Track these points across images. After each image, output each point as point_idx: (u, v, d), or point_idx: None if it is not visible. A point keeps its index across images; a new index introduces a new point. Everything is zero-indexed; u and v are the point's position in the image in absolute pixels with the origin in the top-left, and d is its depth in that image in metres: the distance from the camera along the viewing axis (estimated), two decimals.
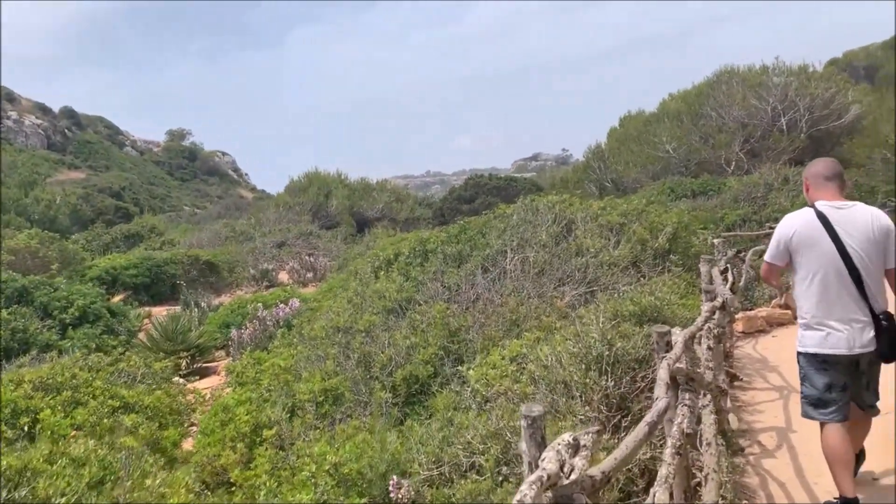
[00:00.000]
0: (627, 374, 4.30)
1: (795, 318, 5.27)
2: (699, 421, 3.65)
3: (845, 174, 4.09)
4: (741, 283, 10.41)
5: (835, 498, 3.70)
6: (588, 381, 4.14)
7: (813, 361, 3.75)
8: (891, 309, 3.78)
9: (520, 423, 2.28)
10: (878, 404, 4.00)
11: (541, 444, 2.06)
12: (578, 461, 2.17)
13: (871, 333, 3.64)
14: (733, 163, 30.98)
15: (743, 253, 11.46)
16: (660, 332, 3.32)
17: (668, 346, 3.31)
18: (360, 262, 11.30)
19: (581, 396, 4.17)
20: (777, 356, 8.34)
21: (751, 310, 10.56)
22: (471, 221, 9.12)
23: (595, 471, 2.14)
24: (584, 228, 7.78)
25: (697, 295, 6.70)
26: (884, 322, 3.64)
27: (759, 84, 33.02)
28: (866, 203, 4.02)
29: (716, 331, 4.24)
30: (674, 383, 3.29)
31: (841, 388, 3.72)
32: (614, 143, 38.65)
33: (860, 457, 4.12)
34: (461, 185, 40.97)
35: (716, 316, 4.32)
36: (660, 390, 2.49)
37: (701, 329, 3.98)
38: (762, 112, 32.14)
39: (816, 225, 3.69)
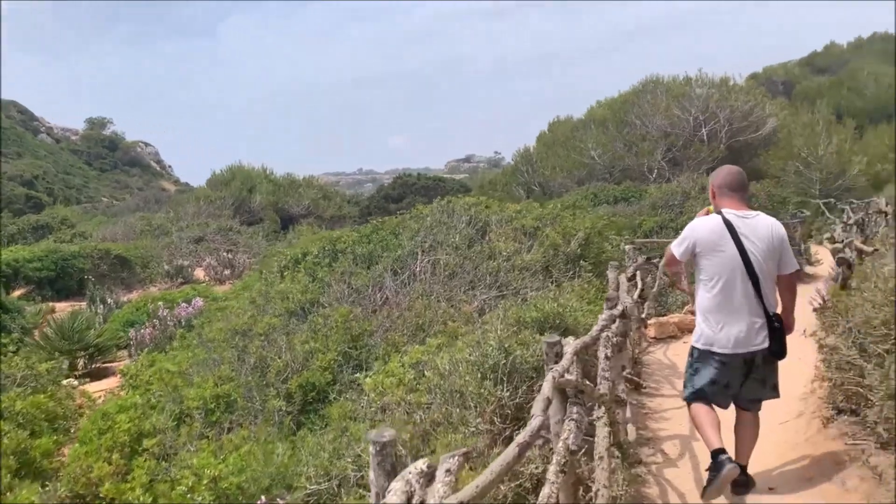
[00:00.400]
0: (525, 384, 4.13)
1: None
2: (593, 433, 3.55)
3: (749, 184, 4.37)
4: (654, 290, 10.51)
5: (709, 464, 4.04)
6: (483, 390, 3.95)
7: (707, 357, 4.06)
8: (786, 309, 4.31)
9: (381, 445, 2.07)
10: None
11: (390, 473, 1.84)
12: (440, 488, 1.96)
13: (765, 332, 3.99)
14: (655, 171, 31.70)
15: (657, 259, 11.58)
16: (549, 343, 3.15)
17: (559, 357, 3.14)
18: (266, 262, 10.89)
19: (476, 407, 3.98)
20: (679, 361, 8.40)
21: (663, 315, 10.64)
22: (384, 221, 8.86)
23: (453, 500, 1.93)
24: (498, 231, 7.65)
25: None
26: (776, 323, 4.03)
27: (682, 94, 33.92)
28: (779, 212, 4.14)
29: (615, 339, 4.12)
30: (562, 396, 3.13)
31: (724, 386, 4.05)
32: (543, 148, 39.09)
33: (749, 482, 4.27)
34: (389, 184, 40.64)
35: (615, 325, 4.21)
36: (537, 407, 2.30)
37: (597, 339, 3.85)
38: (684, 122, 33.02)
39: (723, 232, 3.96)
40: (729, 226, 3.96)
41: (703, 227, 4.06)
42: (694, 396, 4.11)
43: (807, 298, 11.09)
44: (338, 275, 7.27)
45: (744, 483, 4.22)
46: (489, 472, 2.02)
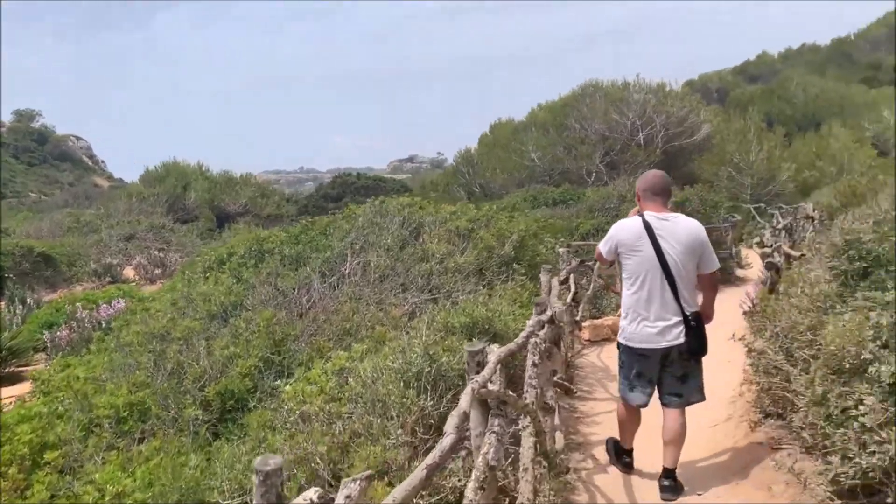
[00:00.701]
0: (450, 391, 3.97)
1: None
2: (518, 443, 3.41)
3: (672, 189, 4.62)
4: (589, 292, 10.52)
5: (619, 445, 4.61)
6: (406, 400, 3.77)
7: (629, 352, 4.34)
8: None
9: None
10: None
11: None
12: None
13: (681, 329, 4.18)
14: (594, 174, 32.12)
15: (592, 262, 11.60)
16: (471, 351, 2.99)
17: (481, 367, 2.98)
18: (191, 263, 10.45)
19: (398, 417, 3.79)
20: (613, 363, 8.39)
21: (598, 318, 10.66)
22: (314, 221, 8.58)
23: None
24: (432, 233, 7.48)
25: None
26: (692, 322, 4.20)
27: (620, 99, 34.47)
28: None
29: (543, 346, 3.99)
30: (484, 407, 2.97)
31: (647, 380, 4.31)
32: (484, 150, 39.20)
33: (674, 475, 4.43)
34: (328, 182, 40.08)
35: (543, 330, 4.09)
36: (450, 423, 2.12)
37: (524, 346, 3.71)
38: (622, 126, 33.56)
39: (642, 233, 4.18)
40: (648, 227, 4.17)
41: (624, 229, 4.30)
42: (624, 390, 4.42)
43: (737, 301, 11.31)
44: (263, 276, 6.99)
45: (671, 488, 4.36)
46: (391, 499, 1.83)
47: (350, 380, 4.31)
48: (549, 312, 4.47)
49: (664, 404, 4.41)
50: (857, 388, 3.67)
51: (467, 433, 3.03)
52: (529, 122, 39.86)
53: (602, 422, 6.55)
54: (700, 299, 4.45)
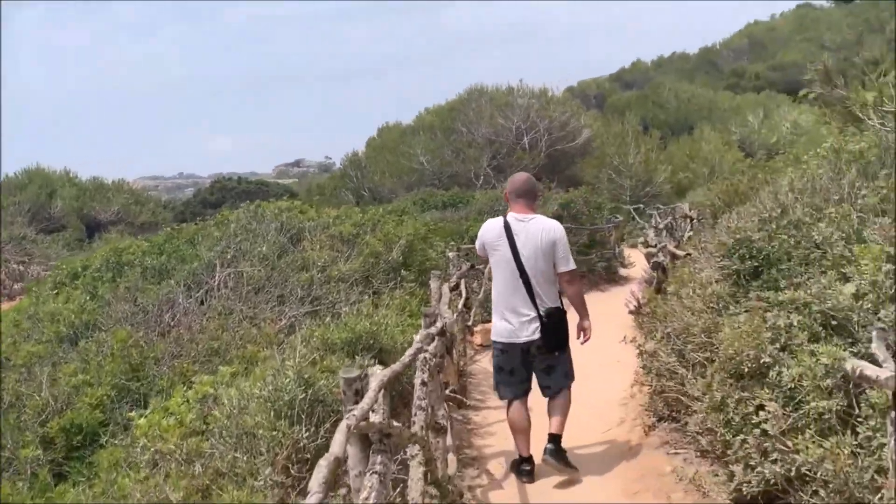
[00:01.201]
0: (330, 419, 3.52)
1: None
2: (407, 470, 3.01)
3: (538, 191, 5.01)
4: (480, 296, 10.29)
5: (516, 458, 4.70)
6: (277, 432, 3.28)
7: (496, 347, 4.65)
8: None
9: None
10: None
11: None
12: None
13: (536, 325, 4.38)
14: (482, 177, 32.29)
15: (484, 265, 11.38)
16: (347, 379, 2.56)
17: (360, 395, 2.56)
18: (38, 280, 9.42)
19: (268, 451, 3.30)
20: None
21: (490, 322, 10.45)
22: (181, 229, 7.84)
23: None
24: (313, 239, 6.97)
25: None
26: (545, 319, 4.37)
27: (505, 104, 34.87)
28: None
29: (433, 361, 3.61)
30: (364, 443, 2.55)
31: (510, 372, 4.55)
32: (372, 153, 38.68)
33: (558, 441, 4.67)
34: (207, 188, 38.29)
35: (433, 344, 3.72)
36: (316, 480, 1.69)
37: (411, 364, 3.31)
38: (507, 130, 33.94)
39: (501, 233, 4.44)
40: (507, 227, 4.42)
41: (488, 229, 4.62)
42: (496, 389, 4.78)
43: (622, 300, 11.43)
44: (122, 291, 6.24)
45: (554, 452, 4.61)
46: None
47: (215, 409, 3.76)
48: (438, 324, 4.10)
49: (545, 395, 4.72)
50: (758, 394, 3.53)
51: (345, 468, 2.60)
52: (417, 126, 39.68)
53: (496, 432, 6.27)
54: (565, 296, 4.69)
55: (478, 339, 9.59)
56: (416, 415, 3.32)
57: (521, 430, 4.63)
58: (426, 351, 3.54)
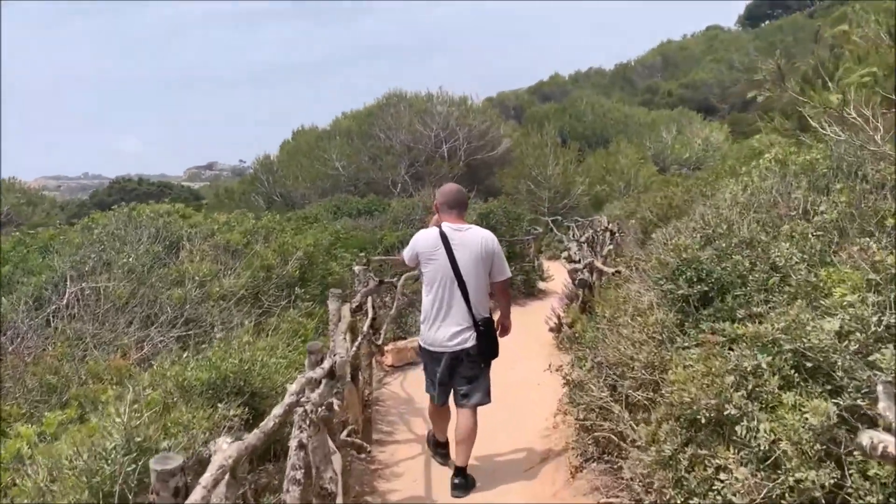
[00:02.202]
0: None
1: None
2: None
3: (468, 201, 4.91)
4: (393, 311, 9.46)
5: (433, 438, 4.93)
6: None
7: (426, 354, 4.61)
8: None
9: None
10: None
11: None
12: None
13: (471, 334, 4.45)
14: (399, 184, 31.51)
15: (397, 278, 10.59)
16: (161, 473, 1.68)
17: (180, 496, 1.67)
18: None
19: None
20: (420, 394, 7.40)
21: (403, 339, 9.68)
22: (36, 234, 6.62)
23: None
24: (194, 249, 5.94)
25: (328, 337, 5.27)
26: (481, 327, 4.45)
27: (424, 110, 34.23)
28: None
29: (316, 414, 2.75)
30: None
31: (439, 383, 4.57)
32: (286, 157, 37.25)
33: (464, 472, 4.75)
34: (104, 189, 35.89)
35: (317, 391, 2.85)
36: None
37: (279, 428, 2.43)
38: (426, 137, 33.30)
39: (438, 243, 4.44)
40: (444, 237, 4.44)
41: (423, 238, 4.57)
42: (429, 386, 4.72)
43: (542, 316, 10.81)
44: None
45: (462, 486, 4.67)
46: None
47: (20, 480, 2.77)
48: (327, 363, 3.23)
49: (457, 405, 4.67)
50: (720, 454, 2.85)
51: None
52: (334, 130, 38.53)
53: (403, 472, 5.45)
54: (496, 306, 4.83)
55: (389, 360, 8.77)
56: (288, 491, 2.45)
57: (442, 422, 4.87)
58: (310, 402, 2.67)
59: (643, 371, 3.92)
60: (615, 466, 4.65)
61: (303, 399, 2.68)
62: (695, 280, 3.92)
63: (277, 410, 2.37)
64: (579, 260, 8.54)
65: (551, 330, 9.90)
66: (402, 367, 8.71)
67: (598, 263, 6.80)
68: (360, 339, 5.71)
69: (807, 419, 2.49)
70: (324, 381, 3.02)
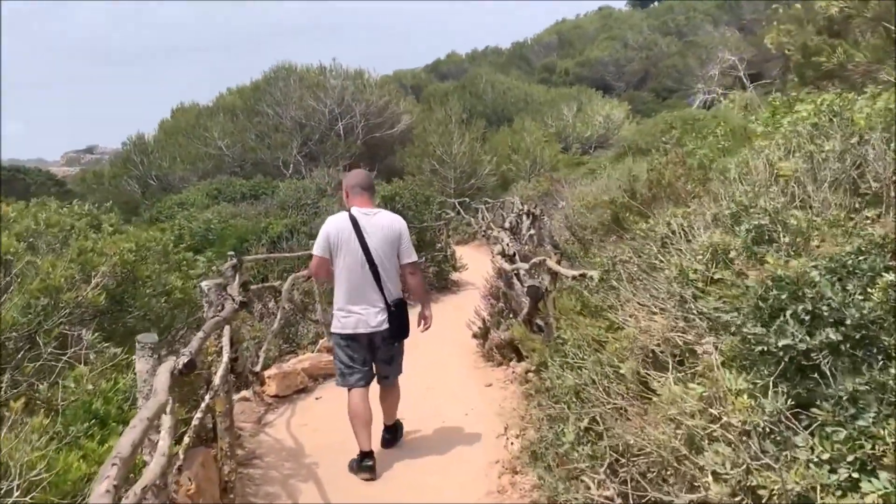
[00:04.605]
0: None
1: None
2: None
3: (376, 185, 5.48)
4: (276, 326, 7.38)
5: (356, 456, 4.62)
6: None
7: (340, 340, 4.61)
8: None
9: None
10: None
11: None
12: None
13: (384, 316, 4.51)
14: (291, 165, 28.88)
15: (281, 282, 8.47)
16: None
17: None
18: None
19: None
20: (321, 437, 5.38)
21: (290, 357, 7.66)
22: None
23: None
24: None
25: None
26: (393, 308, 4.54)
27: (317, 85, 31.58)
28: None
29: None
30: None
31: (361, 362, 4.60)
32: (163, 137, 33.68)
33: (398, 429, 5.09)
34: None
35: None
36: None
37: None
38: (320, 114, 30.74)
39: (349, 227, 4.50)
40: (354, 222, 4.49)
41: (333, 224, 4.55)
42: (341, 379, 4.66)
43: (459, 314, 8.90)
44: None
45: (391, 441, 4.95)
46: None
47: None
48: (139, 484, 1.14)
49: (379, 383, 4.77)
50: None
51: None
52: (217, 107, 35.20)
53: None
54: (407, 288, 4.83)
55: (272, 389, 6.69)
56: None
57: (364, 422, 4.61)
58: None
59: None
60: None
61: None
62: (806, 321, 2.07)
63: None
64: (514, 254, 6.66)
65: (475, 336, 8.08)
66: (290, 397, 6.65)
67: (552, 262, 4.94)
68: (207, 397, 3.59)
69: None
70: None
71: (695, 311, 2.86)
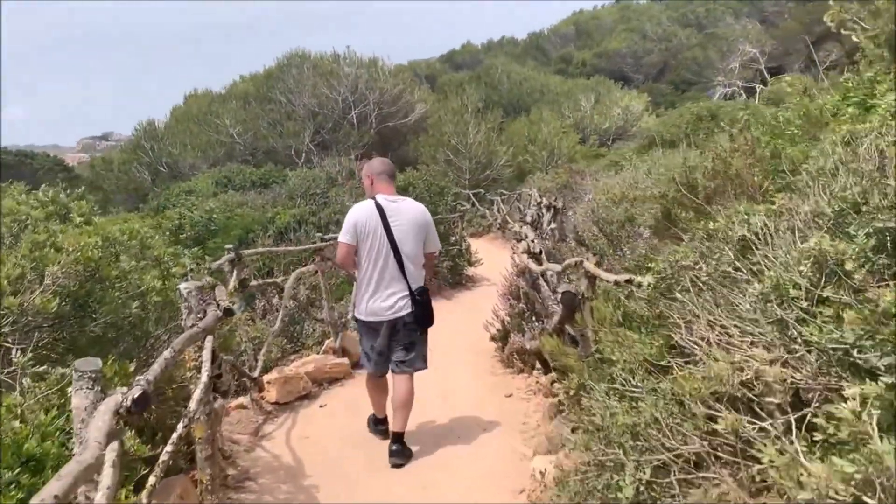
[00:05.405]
0: None
1: (354, 365, 6.61)
2: None
3: (398, 173, 5.26)
4: (276, 326, 6.74)
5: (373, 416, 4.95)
6: None
7: (363, 326, 4.63)
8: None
9: None
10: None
11: None
12: None
13: (407, 301, 4.48)
14: (304, 154, 28.25)
15: (283, 278, 7.86)
16: None
17: None
18: None
19: None
20: (323, 453, 4.83)
21: (293, 359, 7.07)
22: None
23: None
24: None
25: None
26: (417, 296, 4.50)
27: (330, 72, 30.90)
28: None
29: None
30: None
31: (378, 352, 4.58)
32: (175, 123, 33.15)
33: (401, 439, 4.66)
34: None
35: None
36: None
37: None
38: (333, 102, 30.05)
39: (375, 214, 4.47)
40: (380, 209, 4.45)
41: (360, 211, 4.50)
42: (365, 361, 4.74)
43: (475, 313, 8.21)
44: None
45: (400, 453, 4.53)
46: None
47: None
48: None
49: (393, 372, 4.63)
50: None
51: None
52: (230, 94, 34.62)
53: None
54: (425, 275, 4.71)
55: (272, 395, 6.08)
56: None
57: (379, 395, 4.79)
58: None
59: None
60: None
61: None
62: None
63: None
64: (541, 251, 5.97)
65: (493, 339, 7.41)
66: (291, 404, 6.03)
67: (590, 265, 4.26)
68: (180, 426, 2.94)
69: None
70: None
71: (799, 341, 2.16)
